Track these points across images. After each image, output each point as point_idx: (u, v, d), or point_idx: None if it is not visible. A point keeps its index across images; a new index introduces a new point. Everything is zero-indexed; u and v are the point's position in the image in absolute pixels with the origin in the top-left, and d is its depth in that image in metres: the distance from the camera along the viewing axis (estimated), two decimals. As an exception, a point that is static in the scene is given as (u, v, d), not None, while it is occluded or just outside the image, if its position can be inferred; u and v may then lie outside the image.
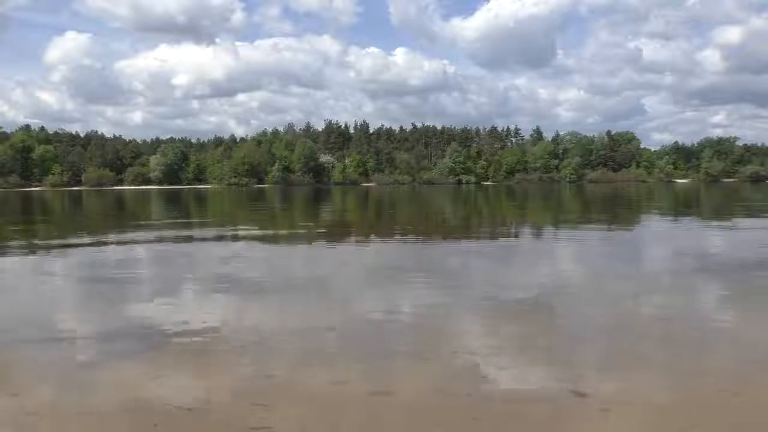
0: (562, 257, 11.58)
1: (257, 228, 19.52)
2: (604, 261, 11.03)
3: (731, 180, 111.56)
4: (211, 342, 5.55)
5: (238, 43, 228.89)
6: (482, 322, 6.30)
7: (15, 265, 11.14)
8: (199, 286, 8.58)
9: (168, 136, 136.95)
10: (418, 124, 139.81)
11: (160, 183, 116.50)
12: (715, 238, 14.97)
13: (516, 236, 16.44)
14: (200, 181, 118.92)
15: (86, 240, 15.26)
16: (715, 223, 19.95)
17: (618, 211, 27.28)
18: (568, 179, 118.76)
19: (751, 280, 8.57)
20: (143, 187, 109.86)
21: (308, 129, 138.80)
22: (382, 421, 3.85)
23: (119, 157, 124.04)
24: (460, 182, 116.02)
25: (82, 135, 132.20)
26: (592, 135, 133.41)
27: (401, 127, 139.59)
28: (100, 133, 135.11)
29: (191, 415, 3.90)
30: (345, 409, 4.00)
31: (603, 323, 6.19)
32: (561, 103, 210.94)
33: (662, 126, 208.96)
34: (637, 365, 4.79)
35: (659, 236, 16.00)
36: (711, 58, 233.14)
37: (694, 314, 6.62)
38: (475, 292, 7.99)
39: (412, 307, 6.94)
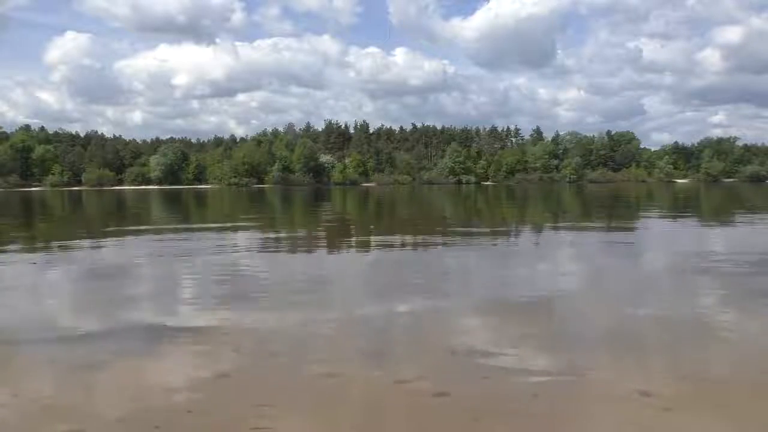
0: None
1: (264, 225, 19.53)
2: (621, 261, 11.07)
3: (731, 180, 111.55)
4: (213, 342, 5.58)
5: (238, 43, 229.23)
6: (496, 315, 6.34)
7: (17, 265, 11.16)
8: (200, 285, 8.59)
9: (168, 136, 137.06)
10: (418, 124, 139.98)
11: (160, 183, 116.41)
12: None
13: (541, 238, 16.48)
14: (200, 181, 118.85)
15: (91, 241, 15.29)
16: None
17: (627, 211, 27.29)
18: (568, 179, 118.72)
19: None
20: (143, 187, 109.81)
21: (308, 129, 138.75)
22: (384, 419, 3.88)
23: (119, 157, 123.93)
24: (460, 182, 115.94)
25: (82, 135, 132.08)
26: (592, 135, 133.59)
27: (401, 127, 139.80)
28: (100, 133, 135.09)
29: (193, 417, 3.92)
30: (347, 407, 4.03)
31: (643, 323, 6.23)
32: (561, 103, 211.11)
33: (662, 126, 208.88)
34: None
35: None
36: (711, 58, 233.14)
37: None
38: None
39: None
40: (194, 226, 20.74)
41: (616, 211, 27.61)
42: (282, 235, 17.48)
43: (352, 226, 20.35)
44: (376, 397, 4.23)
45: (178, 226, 20.61)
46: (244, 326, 6.20)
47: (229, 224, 21.10)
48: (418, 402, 4.12)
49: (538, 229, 18.68)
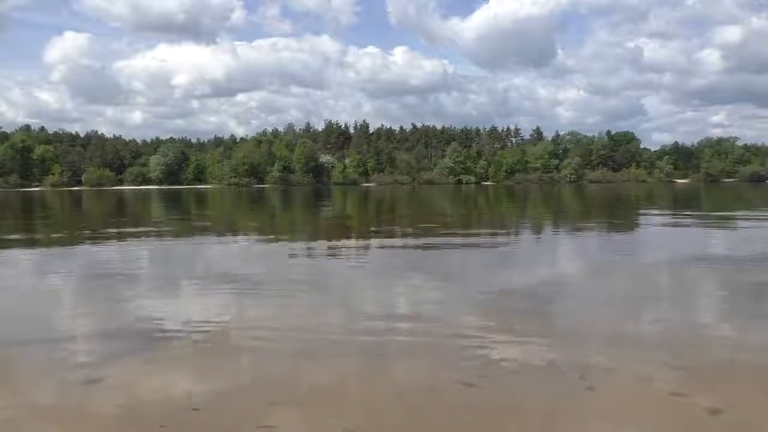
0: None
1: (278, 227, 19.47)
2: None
3: (731, 180, 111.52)
4: (215, 341, 5.57)
5: (237, 43, 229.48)
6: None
7: (20, 265, 11.14)
8: (201, 283, 8.58)
9: (168, 136, 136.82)
10: (418, 124, 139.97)
11: (160, 183, 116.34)
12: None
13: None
14: (200, 181, 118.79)
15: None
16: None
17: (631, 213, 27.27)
18: (568, 179, 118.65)
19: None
20: (143, 187, 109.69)
21: (308, 129, 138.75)
22: (384, 417, 3.86)
23: (119, 157, 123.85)
24: (460, 182, 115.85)
25: (81, 135, 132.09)
26: (592, 135, 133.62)
27: (401, 127, 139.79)
28: (100, 133, 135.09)
29: (197, 415, 3.90)
30: (347, 406, 4.01)
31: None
32: (561, 103, 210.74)
33: (662, 126, 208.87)
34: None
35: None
36: (711, 57, 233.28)
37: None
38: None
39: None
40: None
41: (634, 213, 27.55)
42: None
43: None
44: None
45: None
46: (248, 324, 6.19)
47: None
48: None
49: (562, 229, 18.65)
